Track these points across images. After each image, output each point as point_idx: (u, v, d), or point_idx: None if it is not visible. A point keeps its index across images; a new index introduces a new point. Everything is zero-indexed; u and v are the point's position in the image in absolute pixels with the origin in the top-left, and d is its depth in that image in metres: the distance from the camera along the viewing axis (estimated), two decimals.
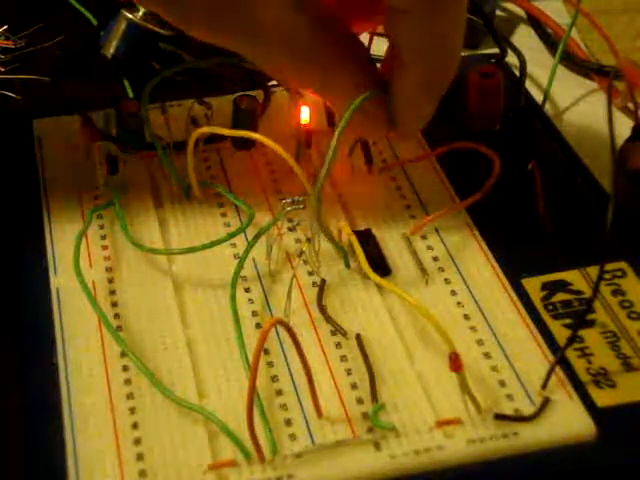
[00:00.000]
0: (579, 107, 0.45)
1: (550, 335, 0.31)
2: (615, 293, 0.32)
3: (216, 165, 0.38)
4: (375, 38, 0.37)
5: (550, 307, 0.32)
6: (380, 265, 0.33)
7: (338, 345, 0.31)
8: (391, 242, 0.35)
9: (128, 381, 0.30)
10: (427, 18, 0.30)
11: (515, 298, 0.32)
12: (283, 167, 0.34)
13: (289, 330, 0.28)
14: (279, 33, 0.31)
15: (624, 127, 0.38)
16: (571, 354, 0.30)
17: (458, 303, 0.32)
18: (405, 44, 0.31)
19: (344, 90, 0.32)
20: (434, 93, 0.32)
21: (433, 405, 0.29)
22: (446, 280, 0.33)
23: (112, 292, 0.33)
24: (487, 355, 0.31)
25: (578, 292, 0.33)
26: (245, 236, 0.35)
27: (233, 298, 0.32)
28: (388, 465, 0.28)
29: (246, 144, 0.37)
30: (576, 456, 0.28)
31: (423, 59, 0.31)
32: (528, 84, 0.44)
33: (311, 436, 0.28)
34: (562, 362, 0.30)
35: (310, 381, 0.28)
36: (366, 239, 0.34)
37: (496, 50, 0.44)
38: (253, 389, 0.27)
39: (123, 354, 0.30)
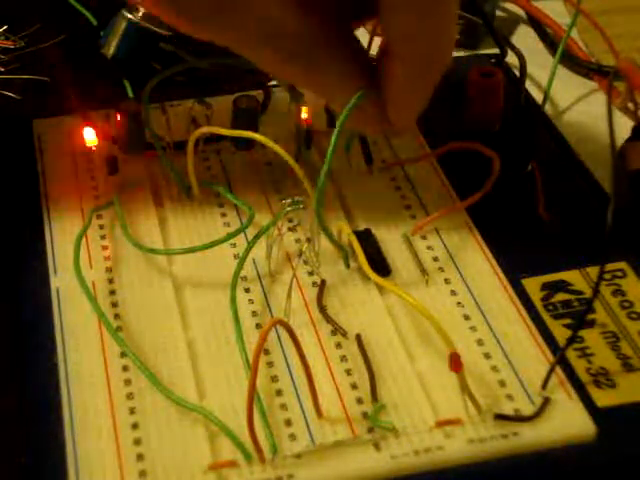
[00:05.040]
0: (579, 107, 0.45)
1: (550, 335, 0.31)
2: (615, 293, 0.32)
3: (216, 165, 0.38)
4: (375, 38, 0.37)
5: (550, 307, 0.32)
6: (380, 265, 0.33)
7: (338, 345, 0.31)
8: (391, 242, 0.35)
9: (128, 381, 0.30)
10: (420, 11, 0.30)
11: (515, 298, 0.32)
12: (283, 167, 0.34)
13: (289, 330, 0.28)
14: (268, 30, 0.31)
15: (624, 127, 0.38)
16: (571, 354, 0.30)
17: (458, 303, 0.32)
18: (397, 37, 0.31)
19: (336, 89, 0.32)
20: (427, 85, 0.32)
21: (433, 405, 0.29)
22: (446, 280, 0.33)
23: (112, 292, 0.33)
24: (487, 355, 0.31)
25: (578, 292, 0.33)
26: (245, 236, 0.35)
27: (233, 298, 0.32)
28: (388, 465, 0.28)
29: (246, 144, 0.37)
30: (576, 456, 0.28)
31: (416, 52, 0.31)
32: (528, 84, 0.44)
33: (311, 436, 0.28)
34: (562, 362, 0.30)
35: (310, 381, 0.28)
36: (366, 239, 0.34)
37: (496, 50, 0.44)
38: (253, 389, 0.27)
39: (123, 354, 0.30)
